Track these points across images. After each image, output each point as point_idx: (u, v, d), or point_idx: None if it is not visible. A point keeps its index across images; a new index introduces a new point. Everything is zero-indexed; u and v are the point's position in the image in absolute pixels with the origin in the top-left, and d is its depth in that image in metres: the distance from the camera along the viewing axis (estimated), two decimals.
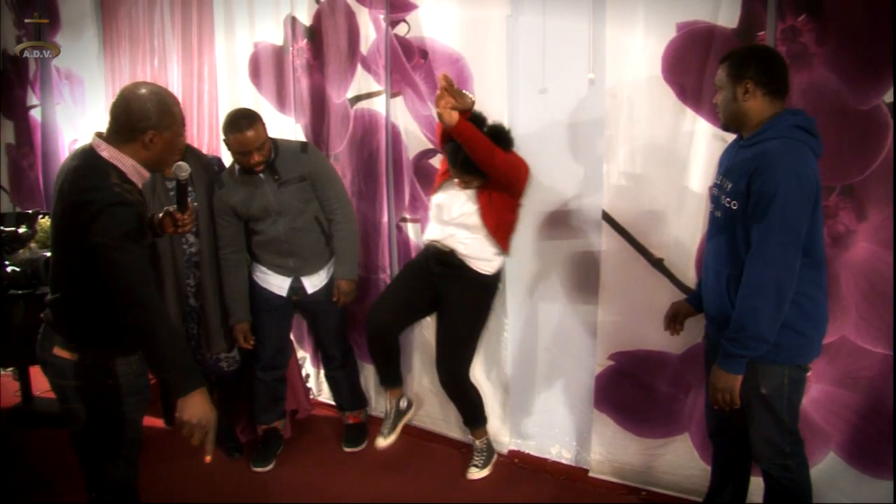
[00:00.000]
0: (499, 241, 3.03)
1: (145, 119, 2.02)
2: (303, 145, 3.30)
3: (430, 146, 3.40)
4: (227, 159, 3.35)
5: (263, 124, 3.09)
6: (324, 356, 3.65)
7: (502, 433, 3.43)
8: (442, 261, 3.11)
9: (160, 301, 2.00)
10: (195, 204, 3.20)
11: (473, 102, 2.86)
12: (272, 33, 3.87)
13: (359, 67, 3.55)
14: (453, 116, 2.72)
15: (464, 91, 2.83)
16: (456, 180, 3.01)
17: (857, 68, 2.41)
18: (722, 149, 2.42)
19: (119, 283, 1.93)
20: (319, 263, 3.32)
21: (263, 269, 3.29)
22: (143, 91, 2.06)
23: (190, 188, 3.23)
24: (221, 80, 4.14)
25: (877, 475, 2.58)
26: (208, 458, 1.99)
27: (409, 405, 3.51)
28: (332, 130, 3.73)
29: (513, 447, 3.45)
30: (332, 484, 3.25)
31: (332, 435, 3.69)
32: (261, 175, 3.11)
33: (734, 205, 2.12)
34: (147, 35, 4.51)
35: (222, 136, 3.07)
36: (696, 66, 2.68)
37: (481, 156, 2.80)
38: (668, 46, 2.73)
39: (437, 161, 3.36)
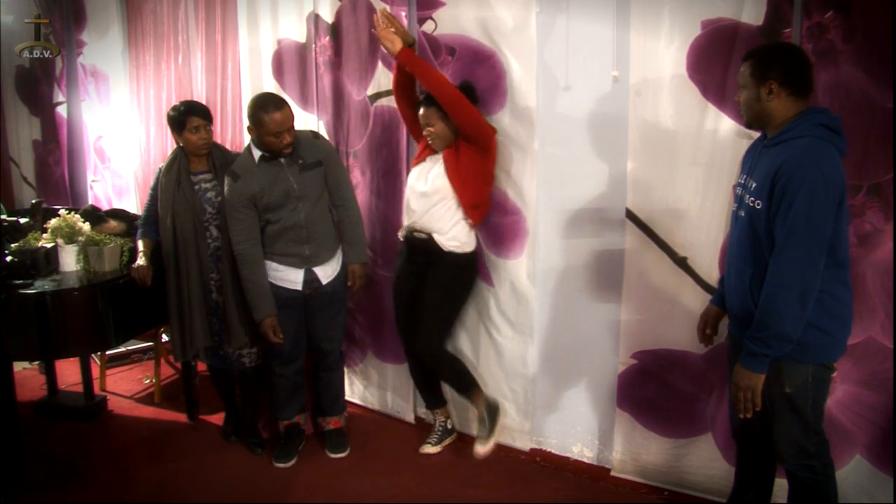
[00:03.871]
0: (466, 209, 3.16)
1: None
2: (314, 133, 3.38)
3: None
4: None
5: None
6: (319, 352, 3.46)
7: (524, 431, 3.43)
8: (422, 249, 3.26)
9: None
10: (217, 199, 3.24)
11: (414, 40, 3.02)
12: (295, 30, 3.89)
13: (379, 65, 3.55)
14: (396, 43, 2.90)
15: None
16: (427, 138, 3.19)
17: (885, 65, 2.37)
18: (746, 146, 2.40)
19: None
20: (331, 252, 3.30)
21: (275, 265, 3.21)
22: None
23: (215, 182, 3.28)
24: (245, 77, 4.16)
25: None
26: None
27: (454, 429, 3.60)
28: (351, 128, 3.74)
29: (534, 445, 3.45)
30: (352, 480, 3.27)
31: (352, 430, 3.70)
32: (282, 160, 3.11)
33: (758, 204, 2.10)
34: (171, 32, 4.54)
35: (254, 119, 3.02)
36: (720, 63, 2.65)
37: (430, 80, 2.92)
38: (692, 44, 2.70)
39: None
